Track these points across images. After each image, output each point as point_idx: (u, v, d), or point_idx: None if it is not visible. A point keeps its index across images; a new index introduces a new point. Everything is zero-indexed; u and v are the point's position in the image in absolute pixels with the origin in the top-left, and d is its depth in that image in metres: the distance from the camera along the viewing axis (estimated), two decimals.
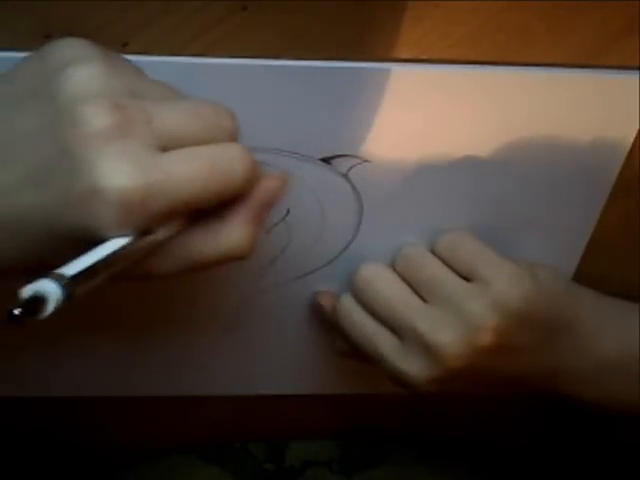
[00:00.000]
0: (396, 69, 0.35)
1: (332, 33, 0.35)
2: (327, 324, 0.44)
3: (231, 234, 0.30)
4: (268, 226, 0.41)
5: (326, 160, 0.38)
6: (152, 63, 0.33)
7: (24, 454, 0.50)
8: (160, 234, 0.28)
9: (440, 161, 0.39)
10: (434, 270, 0.38)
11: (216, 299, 0.43)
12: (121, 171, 0.26)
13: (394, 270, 0.40)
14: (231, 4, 0.33)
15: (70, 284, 0.25)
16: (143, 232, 0.28)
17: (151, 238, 0.28)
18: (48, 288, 0.25)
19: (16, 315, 0.24)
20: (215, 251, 0.30)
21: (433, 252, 0.40)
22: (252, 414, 0.50)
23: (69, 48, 0.28)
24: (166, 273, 0.30)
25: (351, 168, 0.39)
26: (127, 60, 0.30)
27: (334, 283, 0.43)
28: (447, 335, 0.36)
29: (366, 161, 0.38)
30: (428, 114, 0.37)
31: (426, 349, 0.36)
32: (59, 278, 0.25)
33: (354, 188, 0.39)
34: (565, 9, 0.35)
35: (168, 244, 0.29)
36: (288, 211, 0.40)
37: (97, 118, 0.26)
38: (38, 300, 0.24)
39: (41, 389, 0.46)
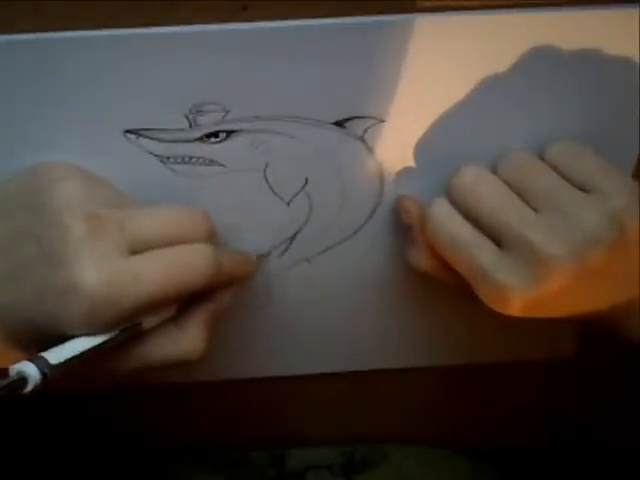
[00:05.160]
0: (401, 20, 0.34)
1: None
2: (359, 297, 0.43)
3: (189, 339, 0.34)
4: (287, 198, 0.39)
5: (339, 124, 0.37)
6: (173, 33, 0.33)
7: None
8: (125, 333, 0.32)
9: (451, 110, 0.37)
10: (547, 178, 0.35)
11: None
12: (90, 271, 0.30)
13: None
14: (231, 4, 0.34)
15: (49, 370, 0.29)
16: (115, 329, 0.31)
17: (126, 335, 0.32)
18: (30, 372, 0.28)
19: None
20: (173, 355, 0.34)
21: (542, 159, 0.36)
22: (252, 423, 0.50)
23: (56, 168, 0.33)
24: (122, 372, 0.33)
25: (366, 130, 0.37)
26: (103, 178, 0.35)
27: (362, 253, 0.41)
28: (560, 248, 0.33)
29: (381, 121, 0.36)
30: (437, 65, 0.35)
31: (534, 261, 0.33)
32: (41, 364, 0.28)
33: (372, 151, 0.37)
34: None
35: (131, 344, 0.33)
36: (307, 180, 0.39)
37: (74, 224, 0.30)
38: (20, 380, 0.28)
39: None
